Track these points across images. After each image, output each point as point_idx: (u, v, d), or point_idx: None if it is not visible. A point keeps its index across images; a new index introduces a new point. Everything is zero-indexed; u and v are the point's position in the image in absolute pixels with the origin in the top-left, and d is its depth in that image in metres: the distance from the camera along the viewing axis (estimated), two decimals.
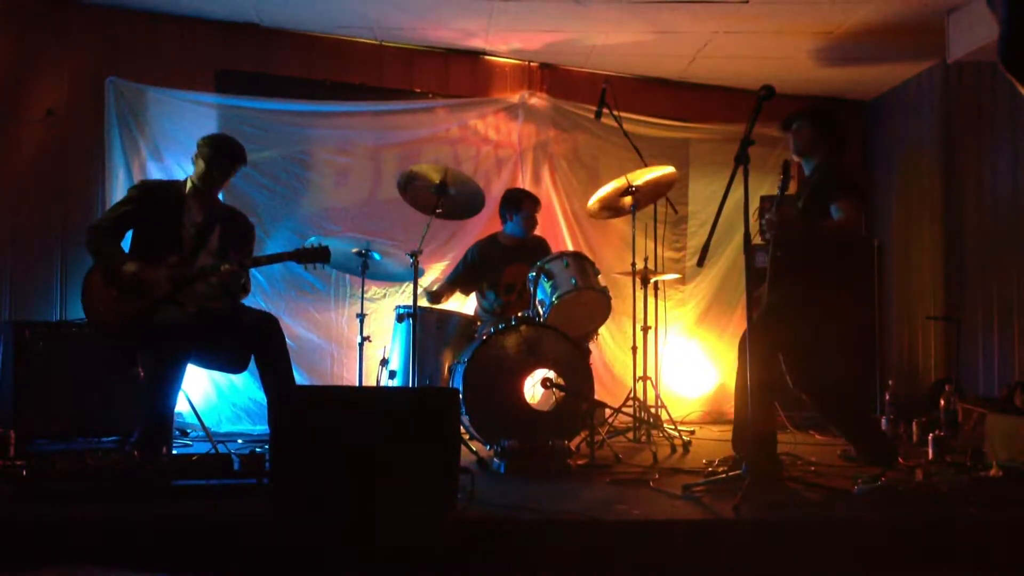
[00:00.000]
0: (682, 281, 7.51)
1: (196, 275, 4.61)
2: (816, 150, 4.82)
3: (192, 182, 4.83)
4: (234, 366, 4.96)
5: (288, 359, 4.80)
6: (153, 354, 4.49)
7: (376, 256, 5.59)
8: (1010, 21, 1.86)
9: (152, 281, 4.53)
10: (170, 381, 4.44)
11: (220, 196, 5.01)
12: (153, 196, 4.83)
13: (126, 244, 4.79)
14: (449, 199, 5.55)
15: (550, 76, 7.54)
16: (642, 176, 5.95)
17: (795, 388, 4.82)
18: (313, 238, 5.26)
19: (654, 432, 5.80)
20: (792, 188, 7.50)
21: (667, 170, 6.03)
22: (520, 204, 6.28)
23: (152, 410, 4.43)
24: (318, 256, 4.87)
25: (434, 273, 6.82)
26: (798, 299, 4.62)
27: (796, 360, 4.69)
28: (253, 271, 5.01)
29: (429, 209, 5.52)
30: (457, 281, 6.41)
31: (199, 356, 4.77)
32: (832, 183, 4.68)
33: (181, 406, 5.02)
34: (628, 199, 5.99)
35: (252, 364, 4.89)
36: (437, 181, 5.50)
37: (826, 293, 4.66)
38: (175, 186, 4.92)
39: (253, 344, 4.78)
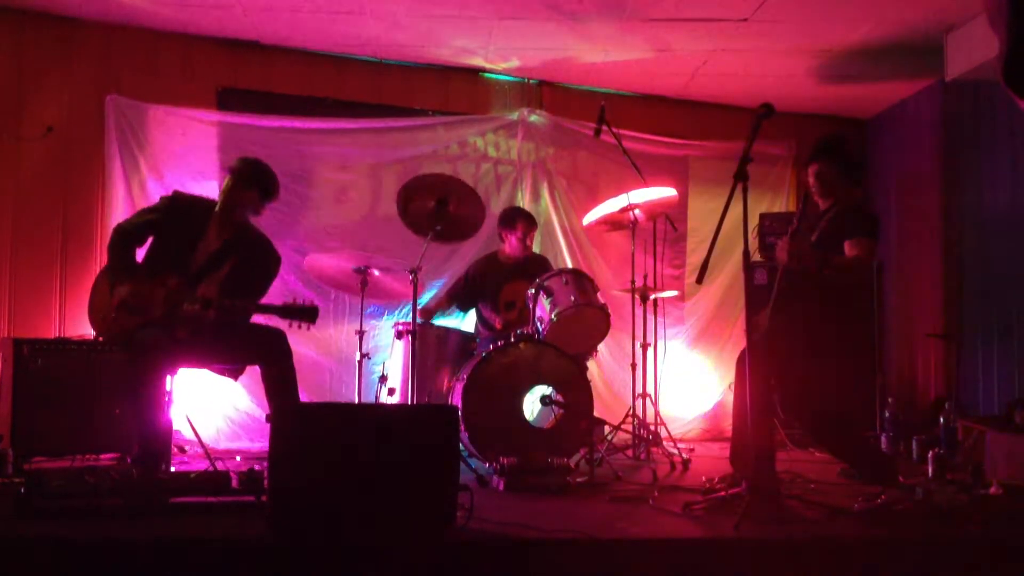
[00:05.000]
0: (681, 298, 7.51)
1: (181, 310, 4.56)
2: (840, 190, 4.83)
3: (219, 203, 4.82)
4: (227, 374, 4.97)
5: (295, 378, 4.79)
6: (132, 368, 4.47)
7: (375, 273, 5.60)
8: (1011, 39, 1.86)
9: (146, 302, 4.53)
10: (149, 394, 4.42)
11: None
12: (180, 211, 4.81)
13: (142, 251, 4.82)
14: (449, 217, 5.53)
15: (549, 93, 7.56)
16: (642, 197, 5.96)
17: (785, 414, 4.82)
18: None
19: (654, 449, 5.80)
20: (791, 205, 7.59)
21: (668, 192, 6.05)
22: (514, 224, 6.30)
23: (140, 424, 4.44)
24: (304, 315, 4.72)
25: (433, 290, 6.83)
26: (798, 327, 4.62)
27: (788, 387, 4.67)
28: None
29: (427, 228, 5.50)
30: (455, 296, 6.43)
31: (194, 361, 4.78)
32: (853, 220, 4.70)
33: (179, 423, 5.02)
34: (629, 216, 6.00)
35: (250, 378, 4.90)
36: (436, 199, 5.48)
37: (827, 325, 4.66)
38: (204, 206, 4.88)
39: (261, 362, 4.77)
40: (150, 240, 4.80)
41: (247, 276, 4.80)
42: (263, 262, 4.97)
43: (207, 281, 4.68)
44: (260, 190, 4.86)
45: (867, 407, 6.80)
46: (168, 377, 4.62)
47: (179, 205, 4.86)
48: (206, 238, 4.77)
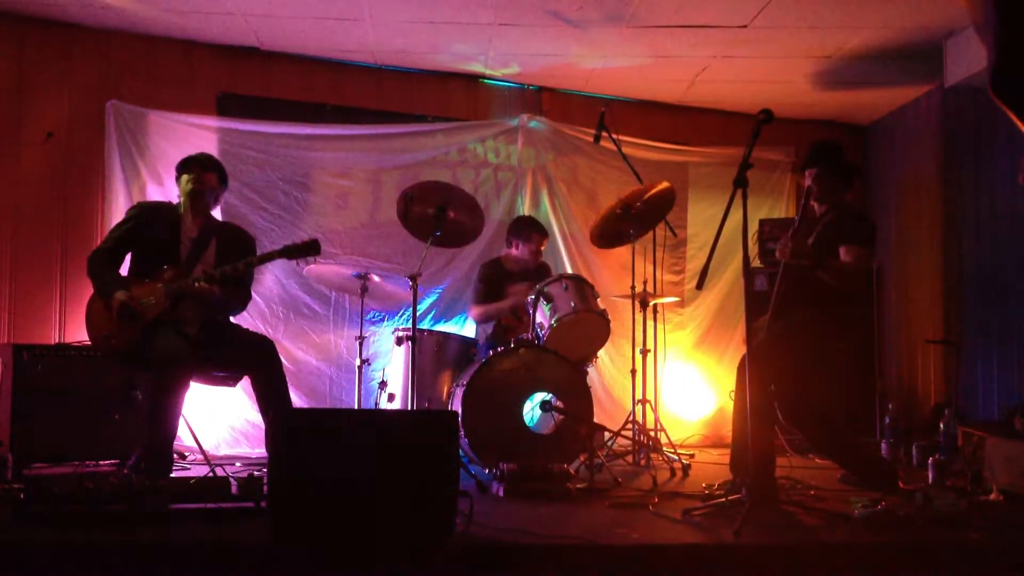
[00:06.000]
0: (681, 304, 7.51)
1: (191, 287, 4.63)
2: (837, 194, 4.84)
3: (184, 201, 4.89)
4: (225, 383, 4.99)
5: (285, 383, 4.81)
6: (153, 380, 4.50)
7: (375, 279, 5.60)
8: (998, 50, 1.86)
9: (147, 302, 4.55)
10: (171, 406, 4.44)
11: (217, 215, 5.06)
12: (150, 215, 4.92)
13: (127, 264, 4.86)
14: (448, 222, 5.55)
15: (549, 99, 7.57)
16: (640, 198, 5.93)
17: (784, 420, 4.82)
18: None
19: (653, 455, 5.79)
20: (790, 211, 7.60)
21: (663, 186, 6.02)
22: (529, 236, 6.29)
23: (153, 435, 4.44)
24: (308, 250, 4.81)
25: (434, 295, 6.83)
26: (797, 333, 4.62)
27: (787, 393, 4.67)
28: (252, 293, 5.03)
29: (427, 233, 5.51)
30: (483, 299, 6.36)
31: (200, 369, 4.79)
32: (849, 225, 4.71)
33: (180, 430, 5.02)
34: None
35: (249, 384, 4.91)
36: (436, 205, 5.49)
37: (826, 330, 4.67)
38: (171, 206, 5.00)
39: (249, 367, 4.80)
40: (131, 252, 4.87)
41: (233, 249, 4.90)
42: (241, 236, 5.11)
43: (200, 264, 4.79)
44: (217, 173, 4.98)
45: (867, 413, 6.80)
46: None
47: (147, 210, 4.99)
48: (184, 228, 4.87)
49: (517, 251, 6.34)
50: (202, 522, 3.60)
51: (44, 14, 6.27)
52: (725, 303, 7.54)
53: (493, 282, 6.31)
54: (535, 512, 4.03)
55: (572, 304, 5.42)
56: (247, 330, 5.04)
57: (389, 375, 5.79)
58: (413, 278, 5.32)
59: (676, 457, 5.62)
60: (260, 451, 6.00)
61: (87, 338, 4.76)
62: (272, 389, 4.75)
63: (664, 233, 6.44)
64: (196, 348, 4.60)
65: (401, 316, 6.75)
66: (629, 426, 5.93)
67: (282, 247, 4.85)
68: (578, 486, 4.62)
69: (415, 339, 5.40)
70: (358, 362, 5.68)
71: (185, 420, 5.01)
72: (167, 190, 6.29)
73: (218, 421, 6.21)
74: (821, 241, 4.69)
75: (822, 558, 3.45)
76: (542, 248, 6.40)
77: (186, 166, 4.94)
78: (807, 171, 4.82)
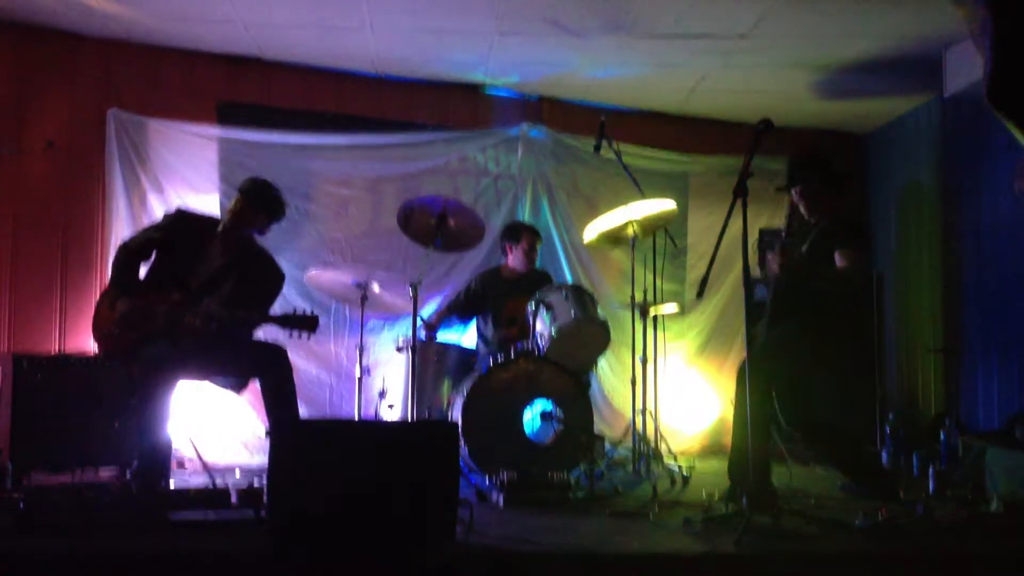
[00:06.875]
0: (681, 313, 7.49)
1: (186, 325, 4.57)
2: (826, 204, 4.84)
3: (224, 221, 4.83)
4: (232, 388, 4.98)
5: (293, 390, 4.79)
6: (141, 383, 4.49)
7: (375, 288, 5.60)
8: (995, 59, 1.88)
9: (148, 316, 4.54)
10: (161, 411, 4.43)
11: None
12: (183, 227, 4.87)
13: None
14: (448, 230, 5.57)
15: (549, 108, 7.56)
16: (642, 212, 5.93)
17: (787, 425, 4.83)
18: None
19: (653, 465, 5.79)
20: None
21: (667, 205, 6.02)
22: (519, 236, 6.32)
23: (144, 439, 4.44)
24: (304, 324, 4.70)
25: (434, 304, 6.83)
26: (796, 338, 4.63)
27: (789, 397, 4.68)
28: None
29: (428, 241, 5.53)
30: (455, 309, 6.43)
31: (197, 373, 4.78)
32: (841, 230, 4.71)
33: (180, 438, 5.01)
34: (629, 230, 5.97)
35: (252, 394, 4.90)
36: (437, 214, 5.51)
37: (825, 334, 4.68)
38: (208, 223, 4.93)
39: (257, 372, 4.78)
40: (155, 254, 4.83)
41: (250, 294, 4.81)
42: (266, 280, 5.00)
43: (210, 298, 4.69)
44: (268, 214, 4.94)
45: (867, 422, 6.79)
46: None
47: (182, 222, 4.92)
48: (209, 255, 4.80)
49: (511, 256, 6.36)
50: (202, 532, 3.59)
51: (45, 23, 6.26)
52: (725, 312, 7.53)
53: (490, 293, 6.32)
54: (535, 521, 4.03)
55: (572, 313, 5.42)
56: (256, 341, 5.00)
57: (389, 384, 5.79)
58: (414, 286, 5.33)
59: (676, 466, 5.61)
60: (260, 460, 5.98)
61: (93, 337, 4.73)
62: (281, 395, 4.74)
63: (664, 242, 6.44)
64: (196, 353, 4.59)
65: (401, 324, 6.75)
66: (629, 435, 5.92)
67: (281, 315, 4.74)
68: (578, 495, 4.62)
69: (415, 348, 5.40)
70: (358, 371, 5.68)
71: (186, 429, 5.02)
72: (167, 198, 6.31)
73: (218, 430, 6.20)
74: (815, 248, 4.70)
75: (822, 568, 3.45)
76: (536, 247, 6.40)
77: (247, 192, 4.85)
78: (792, 190, 4.83)
